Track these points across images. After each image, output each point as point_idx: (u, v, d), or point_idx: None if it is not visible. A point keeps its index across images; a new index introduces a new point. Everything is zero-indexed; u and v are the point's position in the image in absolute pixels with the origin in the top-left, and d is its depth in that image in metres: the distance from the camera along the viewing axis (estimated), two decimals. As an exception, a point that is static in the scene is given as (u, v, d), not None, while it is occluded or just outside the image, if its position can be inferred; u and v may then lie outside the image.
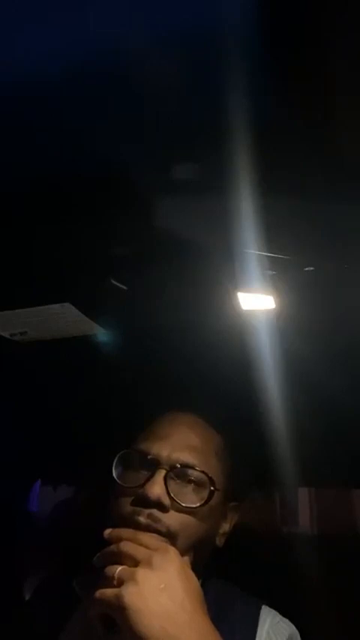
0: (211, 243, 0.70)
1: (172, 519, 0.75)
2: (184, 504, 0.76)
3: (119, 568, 0.66)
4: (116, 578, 0.65)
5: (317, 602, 1.07)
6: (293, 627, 0.83)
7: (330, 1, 0.43)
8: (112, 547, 0.69)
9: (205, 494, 0.79)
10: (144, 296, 0.84)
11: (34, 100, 0.53)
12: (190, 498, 0.78)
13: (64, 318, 0.86)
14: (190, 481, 0.79)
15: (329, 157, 0.57)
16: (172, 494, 0.76)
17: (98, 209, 0.68)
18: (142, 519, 0.74)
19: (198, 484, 0.79)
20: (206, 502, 0.78)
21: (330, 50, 0.46)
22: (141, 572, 0.64)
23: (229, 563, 0.85)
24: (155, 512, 0.74)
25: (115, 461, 0.81)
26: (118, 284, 0.78)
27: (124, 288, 0.78)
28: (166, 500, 0.75)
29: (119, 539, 0.69)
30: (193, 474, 0.79)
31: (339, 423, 1.03)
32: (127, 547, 0.68)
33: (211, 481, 0.80)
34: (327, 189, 0.61)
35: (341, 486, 1.22)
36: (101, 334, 0.92)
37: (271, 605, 0.85)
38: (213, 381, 0.97)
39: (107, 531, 0.72)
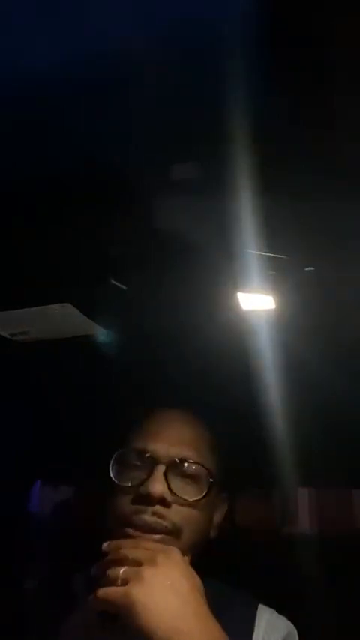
0: (211, 243, 0.70)
1: (176, 514, 0.76)
2: (186, 498, 0.77)
3: (123, 568, 0.66)
4: (120, 577, 0.64)
5: (316, 602, 1.07)
6: (290, 624, 0.83)
7: (330, 4, 0.43)
8: (113, 554, 0.68)
9: (203, 486, 0.79)
10: (144, 296, 0.84)
11: (34, 100, 0.53)
12: (191, 492, 0.78)
13: (64, 318, 0.86)
14: (188, 475, 0.79)
15: (329, 157, 0.57)
16: (173, 490, 0.76)
17: (98, 209, 0.68)
18: (147, 517, 0.74)
19: (196, 477, 0.80)
20: (207, 494, 0.79)
21: (330, 52, 0.46)
22: (147, 571, 0.63)
23: (228, 563, 0.85)
24: (159, 508, 0.75)
25: (111, 461, 0.81)
26: (118, 284, 0.78)
27: (124, 288, 0.79)
28: (169, 496, 0.76)
29: (119, 549, 0.68)
30: (191, 467, 0.80)
31: (339, 423, 1.03)
32: (129, 551, 0.67)
33: (209, 473, 0.80)
34: (327, 189, 0.61)
35: (341, 486, 1.22)
36: (101, 334, 0.92)
37: (270, 605, 0.85)
38: (213, 381, 0.97)
39: (105, 544, 0.70)
